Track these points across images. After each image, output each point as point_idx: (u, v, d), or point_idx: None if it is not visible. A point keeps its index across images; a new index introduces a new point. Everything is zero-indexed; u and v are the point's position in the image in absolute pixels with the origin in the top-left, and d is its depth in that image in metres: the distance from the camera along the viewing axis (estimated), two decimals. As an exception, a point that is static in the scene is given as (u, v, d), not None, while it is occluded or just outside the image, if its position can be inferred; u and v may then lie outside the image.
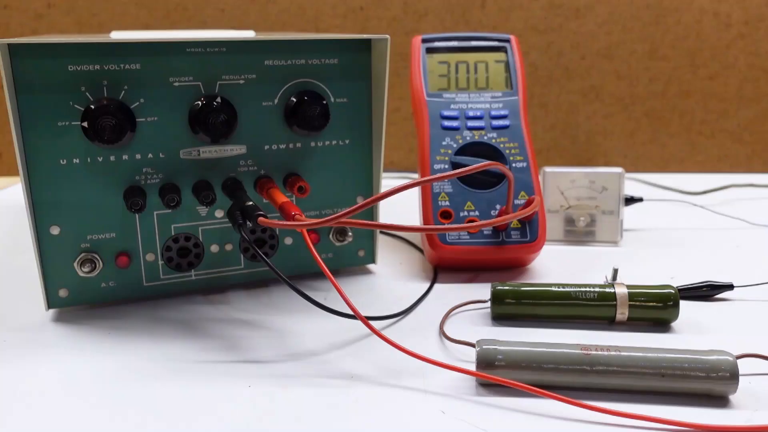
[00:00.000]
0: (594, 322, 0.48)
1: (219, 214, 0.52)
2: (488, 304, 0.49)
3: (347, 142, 0.55)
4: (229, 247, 0.53)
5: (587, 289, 0.48)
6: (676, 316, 0.47)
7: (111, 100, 0.47)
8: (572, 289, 0.48)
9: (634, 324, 0.48)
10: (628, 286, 0.48)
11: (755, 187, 0.87)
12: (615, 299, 0.47)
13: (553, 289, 0.48)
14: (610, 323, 0.48)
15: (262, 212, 0.46)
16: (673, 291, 0.47)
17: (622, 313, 0.47)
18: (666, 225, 0.71)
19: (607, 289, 0.47)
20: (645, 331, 0.47)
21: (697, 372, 0.38)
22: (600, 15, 1.09)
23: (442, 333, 0.46)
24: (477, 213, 0.57)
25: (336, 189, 0.55)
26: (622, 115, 1.14)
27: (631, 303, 0.47)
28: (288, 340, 0.46)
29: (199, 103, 0.49)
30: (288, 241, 0.55)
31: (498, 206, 0.57)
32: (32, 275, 0.57)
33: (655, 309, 0.47)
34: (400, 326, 0.48)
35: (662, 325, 0.48)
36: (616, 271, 0.49)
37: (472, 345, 0.42)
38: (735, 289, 0.53)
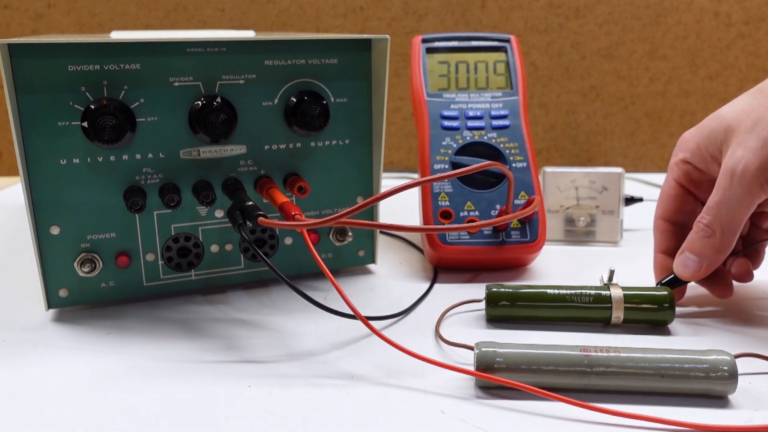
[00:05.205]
0: (590, 324, 0.48)
1: (219, 214, 0.52)
2: (483, 304, 0.49)
3: (347, 142, 0.55)
4: (229, 247, 0.53)
5: (582, 291, 0.47)
6: (671, 317, 0.47)
7: (111, 100, 0.47)
8: (567, 292, 0.47)
9: (630, 325, 0.48)
10: (624, 288, 0.47)
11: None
12: (610, 301, 0.47)
13: (548, 291, 0.48)
14: (605, 325, 0.48)
15: (262, 212, 0.46)
16: (668, 293, 0.47)
17: (617, 316, 0.47)
18: (666, 225, 0.71)
19: (603, 292, 0.47)
20: (643, 332, 0.47)
21: (696, 372, 0.38)
22: (600, 15, 1.09)
23: (438, 336, 0.46)
24: (477, 213, 0.57)
25: (336, 189, 0.55)
26: (622, 115, 1.14)
27: (627, 305, 0.46)
28: (288, 340, 0.46)
29: (199, 103, 0.49)
30: (288, 241, 0.55)
31: (498, 206, 0.57)
32: (32, 275, 0.57)
33: (651, 311, 0.47)
34: (400, 326, 0.48)
35: (658, 326, 0.48)
36: (612, 272, 0.49)
37: (471, 348, 0.42)
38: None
